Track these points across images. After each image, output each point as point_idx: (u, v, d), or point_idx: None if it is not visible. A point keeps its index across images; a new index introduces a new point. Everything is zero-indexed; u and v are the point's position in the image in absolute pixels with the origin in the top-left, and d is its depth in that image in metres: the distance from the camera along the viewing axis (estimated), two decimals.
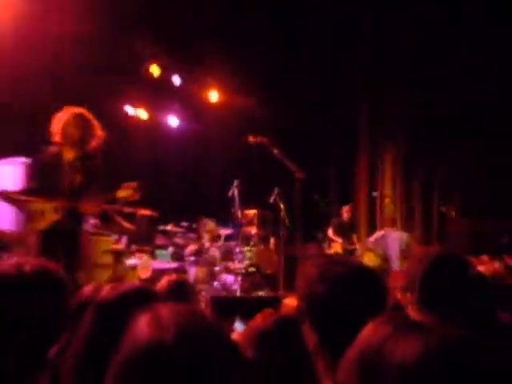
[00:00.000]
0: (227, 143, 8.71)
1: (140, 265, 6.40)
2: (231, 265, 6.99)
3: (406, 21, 7.92)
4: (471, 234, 8.69)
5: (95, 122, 4.35)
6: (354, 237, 8.15)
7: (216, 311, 5.49)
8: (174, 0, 7.38)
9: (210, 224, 7.50)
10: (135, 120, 8.89)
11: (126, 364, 0.89)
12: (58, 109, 4.34)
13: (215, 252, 7.13)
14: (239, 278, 6.73)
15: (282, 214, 6.65)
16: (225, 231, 7.42)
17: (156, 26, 7.58)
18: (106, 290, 1.49)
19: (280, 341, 1.57)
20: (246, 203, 7.54)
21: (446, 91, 8.21)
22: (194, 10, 7.59)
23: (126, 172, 4.17)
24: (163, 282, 2.93)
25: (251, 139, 5.55)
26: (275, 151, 5.45)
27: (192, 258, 7.00)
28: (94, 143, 4.34)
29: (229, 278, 6.78)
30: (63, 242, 4.17)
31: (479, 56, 7.82)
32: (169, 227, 7.38)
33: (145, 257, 6.62)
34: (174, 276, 3.09)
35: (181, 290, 2.86)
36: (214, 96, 9.09)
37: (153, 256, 6.95)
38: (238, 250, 7.19)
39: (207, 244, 7.12)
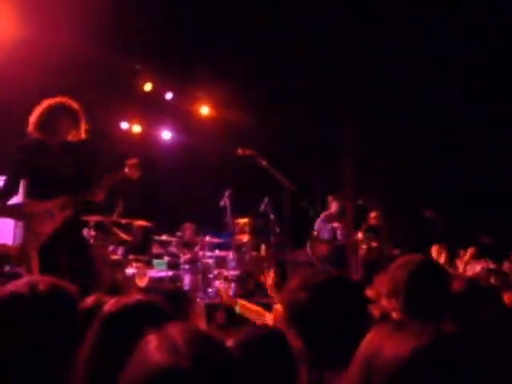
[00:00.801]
0: (218, 155, 8.95)
1: (137, 274, 6.60)
2: (225, 272, 7.23)
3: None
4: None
5: (80, 111, 4.05)
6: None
7: (210, 318, 5.69)
8: (166, 18, 7.58)
9: (189, 228, 7.73)
10: (129, 134, 9.13)
11: None
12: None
13: (209, 260, 7.38)
14: (233, 285, 6.98)
15: (272, 221, 6.89)
16: (212, 239, 7.59)
17: (148, 43, 7.82)
18: (111, 303, 1.47)
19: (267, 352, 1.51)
20: (237, 212, 7.81)
21: None
22: (185, 27, 7.81)
23: (120, 183, 4.25)
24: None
25: (240, 152, 5.63)
26: (263, 163, 5.57)
27: (187, 267, 7.17)
28: (79, 133, 4.04)
29: (222, 285, 7.01)
30: (70, 245, 3.91)
31: None
32: (163, 237, 7.56)
33: (141, 266, 6.81)
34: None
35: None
36: (204, 110, 9.39)
37: (149, 265, 7.12)
38: (230, 257, 7.45)
39: (201, 253, 7.33)
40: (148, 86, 8.61)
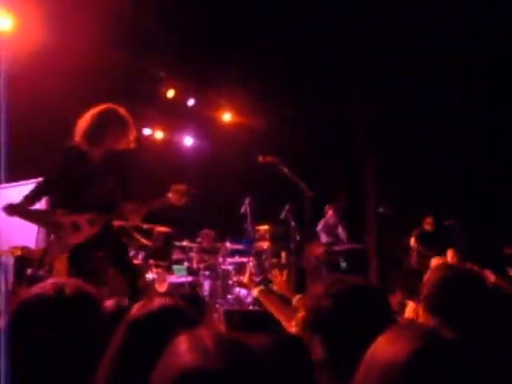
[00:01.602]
0: (239, 161, 8.98)
1: (157, 279, 6.62)
2: (244, 278, 7.19)
3: None
4: None
5: (130, 118, 3.92)
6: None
7: (229, 324, 5.68)
8: (189, 25, 7.65)
9: (208, 234, 7.78)
10: (152, 140, 9.21)
11: None
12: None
13: (229, 266, 7.37)
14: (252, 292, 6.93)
15: (293, 229, 6.86)
16: (232, 246, 7.61)
17: (172, 51, 7.90)
18: (136, 308, 1.45)
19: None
20: (258, 219, 7.81)
21: None
22: (208, 34, 7.88)
23: (144, 190, 4.21)
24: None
25: (261, 159, 5.57)
26: (285, 170, 5.52)
27: (207, 273, 7.18)
28: (128, 141, 3.90)
29: (242, 292, 6.98)
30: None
31: None
32: (184, 243, 7.58)
33: (161, 271, 6.83)
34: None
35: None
36: (226, 117, 9.44)
37: (169, 271, 7.14)
38: (251, 263, 7.43)
39: (221, 259, 7.34)
40: (171, 93, 8.69)
